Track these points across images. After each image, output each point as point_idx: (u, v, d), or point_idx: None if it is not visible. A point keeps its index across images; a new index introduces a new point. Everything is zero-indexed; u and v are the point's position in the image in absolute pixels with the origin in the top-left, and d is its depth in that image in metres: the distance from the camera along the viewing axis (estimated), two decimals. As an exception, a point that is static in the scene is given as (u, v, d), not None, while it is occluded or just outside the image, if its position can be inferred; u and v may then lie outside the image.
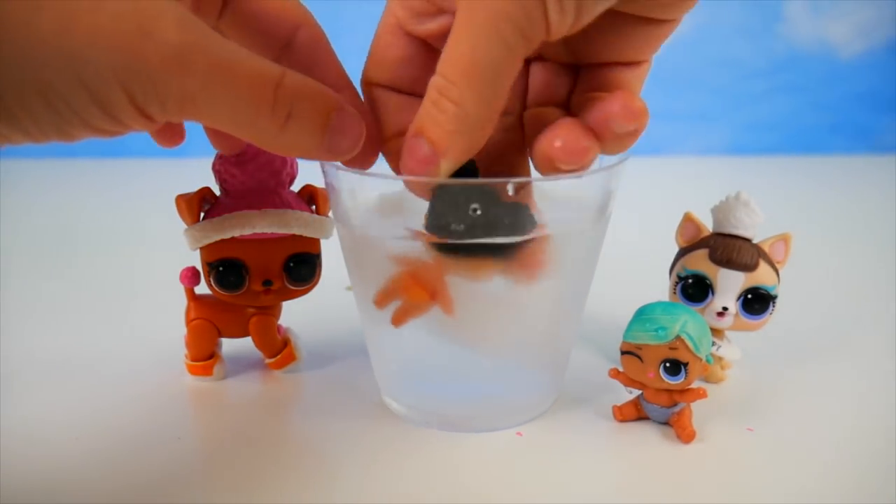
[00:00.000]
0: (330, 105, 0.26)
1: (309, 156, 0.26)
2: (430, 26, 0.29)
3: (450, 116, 0.25)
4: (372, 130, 0.30)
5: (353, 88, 0.32)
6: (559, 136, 0.27)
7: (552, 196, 0.34)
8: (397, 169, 0.31)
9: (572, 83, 0.31)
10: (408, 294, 0.30)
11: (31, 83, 0.21)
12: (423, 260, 0.30)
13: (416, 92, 0.30)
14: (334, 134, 0.26)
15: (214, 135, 0.33)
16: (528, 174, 0.32)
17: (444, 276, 0.30)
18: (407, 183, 0.29)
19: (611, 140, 0.27)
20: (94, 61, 0.21)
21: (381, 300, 0.32)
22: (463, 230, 0.28)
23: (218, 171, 0.38)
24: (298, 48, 0.31)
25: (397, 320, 0.32)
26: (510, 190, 0.29)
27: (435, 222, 0.29)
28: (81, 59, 0.21)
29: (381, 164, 0.32)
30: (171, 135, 0.31)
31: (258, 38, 0.30)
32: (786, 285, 0.40)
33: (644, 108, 0.27)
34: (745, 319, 0.38)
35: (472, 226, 0.28)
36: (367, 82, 0.31)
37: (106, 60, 0.21)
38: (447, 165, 0.27)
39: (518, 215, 0.29)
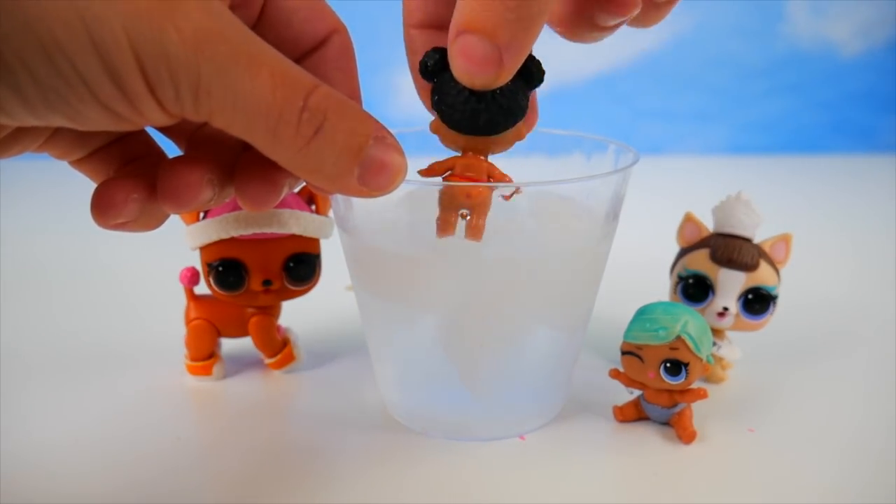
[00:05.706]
0: (370, 129, 0.22)
1: (334, 184, 0.23)
2: None
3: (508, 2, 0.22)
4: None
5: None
6: None
7: (561, 209, 0.34)
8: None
9: None
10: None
11: (33, 33, 0.18)
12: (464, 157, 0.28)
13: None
14: (370, 165, 0.22)
15: (244, 184, 0.25)
16: None
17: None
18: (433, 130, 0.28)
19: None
20: (108, 21, 0.18)
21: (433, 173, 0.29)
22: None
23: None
24: (327, 55, 0.27)
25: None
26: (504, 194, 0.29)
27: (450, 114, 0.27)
28: (94, 16, 0.18)
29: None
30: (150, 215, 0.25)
31: (291, 36, 0.27)
32: (786, 285, 0.40)
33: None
34: (746, 319, 0.38)
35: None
36: (407, 26, 0.29)
37: (121, 23, 0.19)
38: (511, 62, 0.23)
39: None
